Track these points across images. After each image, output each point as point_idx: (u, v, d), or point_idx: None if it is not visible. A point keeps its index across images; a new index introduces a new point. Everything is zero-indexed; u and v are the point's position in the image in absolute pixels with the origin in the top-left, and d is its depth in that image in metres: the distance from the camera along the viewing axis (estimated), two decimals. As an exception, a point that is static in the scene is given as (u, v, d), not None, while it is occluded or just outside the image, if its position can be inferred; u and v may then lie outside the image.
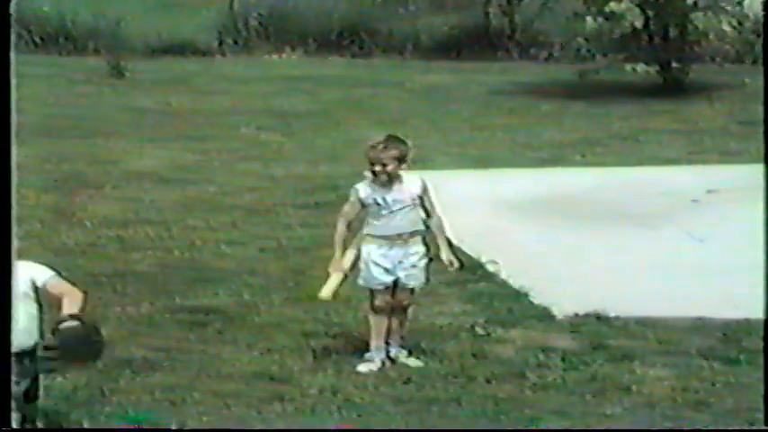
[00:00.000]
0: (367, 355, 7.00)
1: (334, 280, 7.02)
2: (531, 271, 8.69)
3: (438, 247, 7.03)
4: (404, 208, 6.86)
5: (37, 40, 20.23)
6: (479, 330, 7.55)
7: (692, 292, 8.31)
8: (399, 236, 6.88)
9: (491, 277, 8.66)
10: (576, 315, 7.77)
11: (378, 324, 7.00)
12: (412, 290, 7.05)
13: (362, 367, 6.93)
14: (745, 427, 6.13)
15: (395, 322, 7.06)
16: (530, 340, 7.41)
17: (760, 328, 7.47)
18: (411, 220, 6.90)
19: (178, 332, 7.56)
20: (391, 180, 6.84)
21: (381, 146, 6.84)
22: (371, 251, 6.91)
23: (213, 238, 9.81)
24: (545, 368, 6.93)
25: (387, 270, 6.90)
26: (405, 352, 7.07)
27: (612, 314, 7.72)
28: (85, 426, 6.16)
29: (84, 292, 5.55)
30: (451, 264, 7.04)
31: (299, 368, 6.95)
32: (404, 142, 6.93)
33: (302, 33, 21.38)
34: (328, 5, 21.56)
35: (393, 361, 7.03)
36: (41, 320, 5.57)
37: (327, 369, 6.92)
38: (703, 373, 6.84)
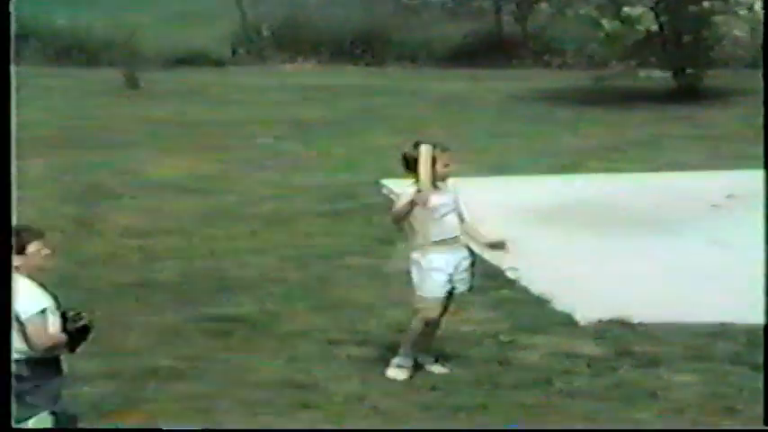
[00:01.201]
0: (395, 362, 6.96)
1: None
2: (551, 277, 8.68)
3: (481, 245, 6.99)
4: (450, 212, 6.84)
5: (52, 53, 20.27)
6: (503, 337, 7.54)
7: (715, 297, 8.29)
8: (454, 239, 6.84)
9: (512, 284, 8.65)
10: (600, 321, 7.76)
11: (423, 334, 6.90)
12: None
13: (392, 372, 6.89)
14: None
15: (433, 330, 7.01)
16: (554, 347, 7.39)
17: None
18: (455, 224, 6.86)
19: (203, 341, 7.56)
20: (437, 185, 6.78)
21: (447, 151, 6.80)
22: (433, 260, 6.76)
23: (234, 248, 9.81)
24: (571, 374, 6.91)
25: (449, 277, 6.84)
26: (431, 359, 7.06)
27: (636, 320, 7.70)
28: None
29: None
30: (503, 244, 6.95)
31: (325, 376, 6.95)
32: None
33: (315, 43, 21.40)
34: (341, 15, 21.57)
35: (419, 368, 7.01)
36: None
37: (353, 376, 6.92)
38: (730, 379, 6.82)
